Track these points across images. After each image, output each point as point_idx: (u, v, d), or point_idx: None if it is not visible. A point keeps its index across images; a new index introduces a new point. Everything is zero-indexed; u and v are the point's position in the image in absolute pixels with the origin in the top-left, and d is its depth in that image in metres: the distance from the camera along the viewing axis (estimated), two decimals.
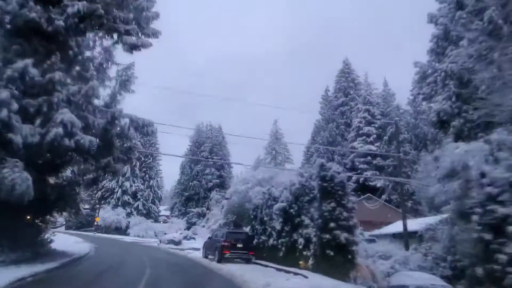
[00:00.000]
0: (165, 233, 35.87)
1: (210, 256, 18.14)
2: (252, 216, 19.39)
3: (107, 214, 44.99)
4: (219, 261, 16.16)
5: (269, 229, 16.62)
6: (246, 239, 17.37)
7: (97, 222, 45.59)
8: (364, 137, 43.76)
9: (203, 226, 40.35)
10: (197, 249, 24.45)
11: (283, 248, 15.14)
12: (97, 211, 48.05)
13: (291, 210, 14.83)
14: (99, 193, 50.52)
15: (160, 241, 31.96)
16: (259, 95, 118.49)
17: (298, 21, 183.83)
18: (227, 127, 65.41)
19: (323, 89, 56.02)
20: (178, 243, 30.25)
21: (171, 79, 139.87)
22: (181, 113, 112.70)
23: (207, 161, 52.71)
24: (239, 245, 16.59)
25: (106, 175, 15.74)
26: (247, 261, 16.52)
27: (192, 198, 57.40)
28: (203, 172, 58.04)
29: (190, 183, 57.98)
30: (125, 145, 14.18)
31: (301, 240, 13.78)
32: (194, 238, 42.78)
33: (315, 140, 50.16)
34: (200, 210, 55.01)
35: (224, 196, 46.79)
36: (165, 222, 56.05)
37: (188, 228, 49.08)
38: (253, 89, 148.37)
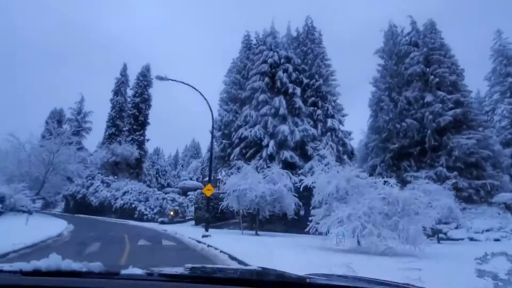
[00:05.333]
0: None
1: None
2: None
3: (243, 182, 17.50)
4: None
5: None
6: None
7: (209, 196, 16.43)
8: None
9: None
10: None
11: None
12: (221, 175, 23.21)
13: None
14: (237, 149, 27.05)
15: None
16: None
17: None
18: None
19: None
20: None
21: None
22: None
23: None
24: None
25: None
26: None
27: (406, 152, 29.04)
28: (421, 102, 29.08)
29: (397, 125, 29.73)
30: None
31: None
32: None
33: None
34: (434, 171, 26.13)
35: None
36: None
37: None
38: None
